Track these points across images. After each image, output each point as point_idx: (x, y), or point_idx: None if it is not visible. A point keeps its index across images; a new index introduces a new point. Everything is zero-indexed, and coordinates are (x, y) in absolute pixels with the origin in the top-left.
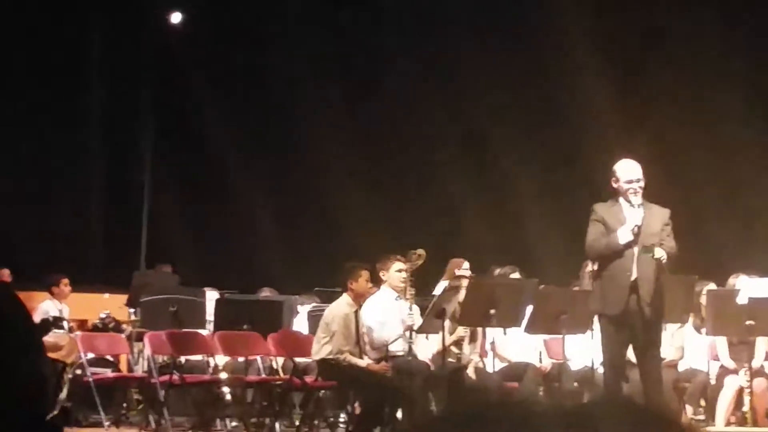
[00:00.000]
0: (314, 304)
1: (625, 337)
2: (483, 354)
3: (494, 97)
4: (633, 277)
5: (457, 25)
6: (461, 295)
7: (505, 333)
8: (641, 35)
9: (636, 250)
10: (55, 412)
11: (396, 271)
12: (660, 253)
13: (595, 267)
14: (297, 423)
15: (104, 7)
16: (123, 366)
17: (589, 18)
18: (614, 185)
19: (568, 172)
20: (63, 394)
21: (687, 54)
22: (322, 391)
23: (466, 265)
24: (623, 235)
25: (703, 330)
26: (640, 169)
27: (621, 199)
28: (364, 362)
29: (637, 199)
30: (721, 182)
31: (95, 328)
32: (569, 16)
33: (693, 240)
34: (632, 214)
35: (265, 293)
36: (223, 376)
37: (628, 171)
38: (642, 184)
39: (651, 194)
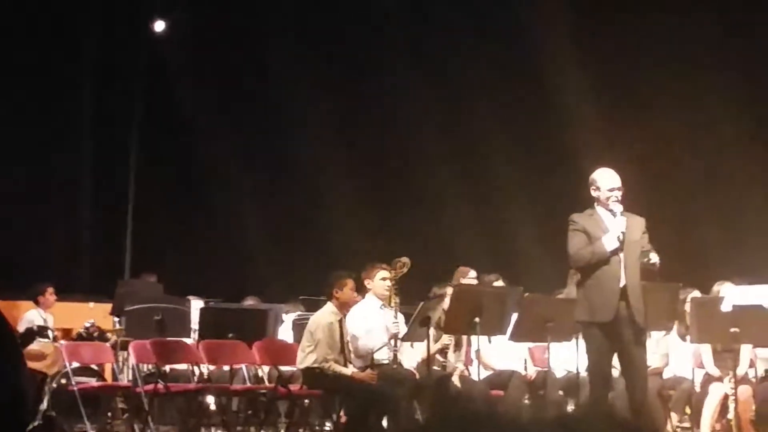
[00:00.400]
0: (299, 313)
1: (613, 345)
2: (468, 362)
3: (483, 107)
4: (622, 284)
5: (449, 32)
6: (446, 303)
7: (489, 341)
8: (631, 39)
9: (622, 256)
10: (37, 423)
11: (380, 279)
12: (656, 258)
13: (577, 276)
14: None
15: (96, 13)
16: (108, 375)
17: (580, 23)
18: (594, 194)
19: (555, 181)
20: (44, 405)
21: (676, 61)
22: (307, 400)
23: (473, 273)
24: (609, 243)
25: (688, 337)
26: (618, 177)
27: (599, 208)
28: (349, 371)
29: (618, 207)
30: (706, 189)
31: (80, 337)
32: (560, 22)
33: (677, 247)
34: (614, 223)
35: (249, 302)
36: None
37: (608, 180)
38: (621, 192)
39: (636, 202)
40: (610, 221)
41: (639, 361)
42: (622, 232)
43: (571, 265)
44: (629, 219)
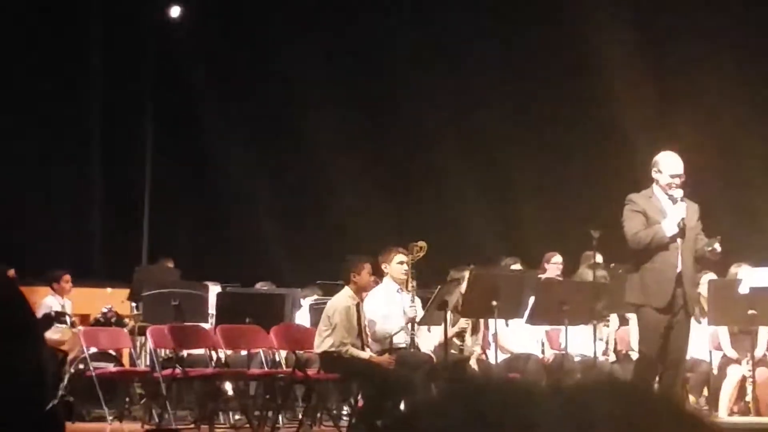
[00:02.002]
0: (316, 297)
1: (665, 329)
2: (485, 345)
3: (495, 93)
4: (678, 270)
5: (455, 19)
6: (463, 287)
7: (507, 324)
8: (654, 31)
9: (680, 242)
10: (56, 401)
11: (398, 263)
12: (719, 247)
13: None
14: (300, 416)
15: (104, 4)
16: (125, 360)
17: (597, 11)
18: (655, 176)
19: (570, 166)
20: (63, 383)
21: (699, 50)
22: (325, 384)
23: (558, 258)
24: (669, 228)
25: (703, 320)
26: (682, 163)
27: (657, 191)
28: (366, 354)
29: (679, 193)
30: (723, 172)
31: (97, 323)
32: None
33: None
34: (674, 208)
35: (262, 286)
36: None
37: (673, 165)
38: (683, 179)
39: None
40: (669, 206)
41: (682, 347)
42: (683, 219)
43: (630, 245)
44: (688, 205)
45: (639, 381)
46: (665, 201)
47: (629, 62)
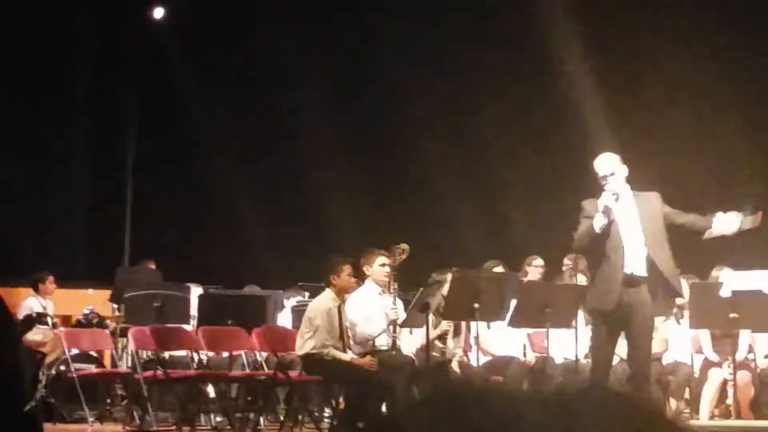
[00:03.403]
0: (299, 299)
1: (616, 332)
2: (467, 348)
3: (481, 94)
4: (628, 272)
5: (444, 20)
6: (445, 289)
7: (488, 327)
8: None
9: (625, 243)
10: (34, 403)
11: (379, 266)
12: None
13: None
14: (281, 418)
15: (90, 4)
16: (107, 362)
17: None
18: (602, 183)
19: (554, 168)
20: (41, 386)
21: (679, 41)
22: (307, 386)
23: (540, 261)
24: (597, 221)
25: (683, 321)
26: (613, 162)
27: (603, 193)
28: (348, 356)
29: (620, 189)
30: (706, 173)
31: (79, 324)
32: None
33: (675, 232)
34: (619, 204)
35: (251, 290)
36: None
37: (600, 166)
38: (617, 176)
39: (636, 185)
40: (614, 204)
41: (644, 349)
42: (606, 206)
43: (574, 249)
44: (639, 198)
45: (619, 388)
46: (611, 201)
47: (611, 65)
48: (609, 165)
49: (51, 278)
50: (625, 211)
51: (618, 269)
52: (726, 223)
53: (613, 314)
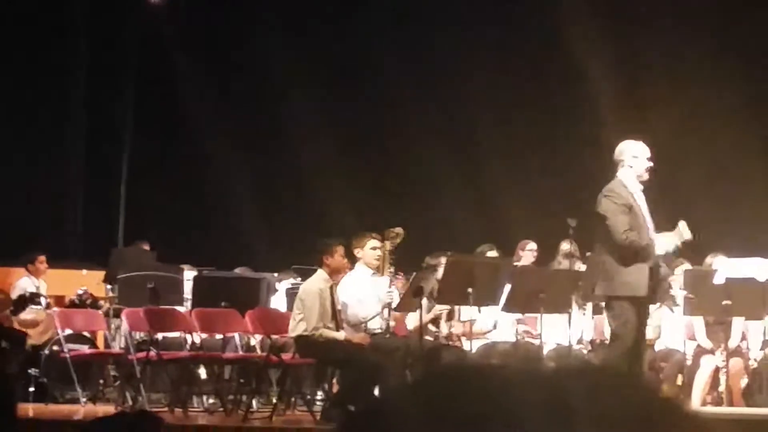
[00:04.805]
0: (292, 282)
1: (647, 316)
2: (461, 332)
3: (473, 80)
4: (653, 262)
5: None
6: (439, 273)
7: (479, 311)
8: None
9: (650, 228)
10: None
11: (371, 249)
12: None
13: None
14: (274, 400)
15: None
16: (100, 342)
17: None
18: (630, 163)
19: (547, 154)
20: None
21: (674, 37)
22: (299, 368)
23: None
24: (661, 247)
25: (676, 309)
26: (640, 147)
27: (625, 179)
28: (341, 335)
29: (643, 176)
30: (700, 162)
31: (72, 305)
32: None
33: (671, 219)
34: (641, 198)
35: (242, 272)
36: None
37: (647, 151)
38: (639, 160)
39: None
40: (640, 198)
41: (644, 335)
42: (682, 242)
43: (621, 245)
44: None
45: (614, 366)
46: (638, 193)
47: (606, 51)
48: (638, 149)
49: (41, 258)
50: (642, 198)
51: (651, 256)
52: (662, 246)
53: (646, 299)
